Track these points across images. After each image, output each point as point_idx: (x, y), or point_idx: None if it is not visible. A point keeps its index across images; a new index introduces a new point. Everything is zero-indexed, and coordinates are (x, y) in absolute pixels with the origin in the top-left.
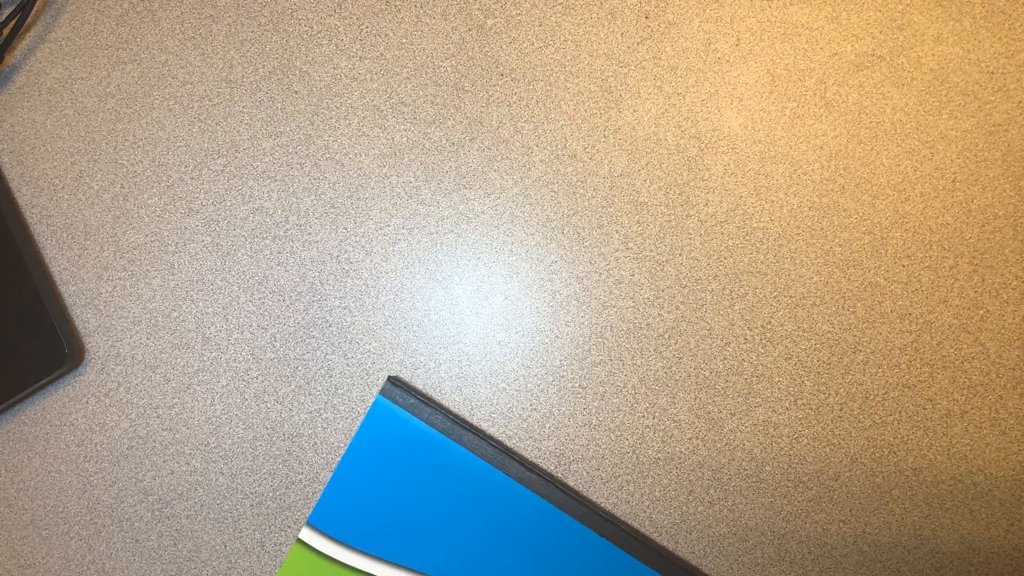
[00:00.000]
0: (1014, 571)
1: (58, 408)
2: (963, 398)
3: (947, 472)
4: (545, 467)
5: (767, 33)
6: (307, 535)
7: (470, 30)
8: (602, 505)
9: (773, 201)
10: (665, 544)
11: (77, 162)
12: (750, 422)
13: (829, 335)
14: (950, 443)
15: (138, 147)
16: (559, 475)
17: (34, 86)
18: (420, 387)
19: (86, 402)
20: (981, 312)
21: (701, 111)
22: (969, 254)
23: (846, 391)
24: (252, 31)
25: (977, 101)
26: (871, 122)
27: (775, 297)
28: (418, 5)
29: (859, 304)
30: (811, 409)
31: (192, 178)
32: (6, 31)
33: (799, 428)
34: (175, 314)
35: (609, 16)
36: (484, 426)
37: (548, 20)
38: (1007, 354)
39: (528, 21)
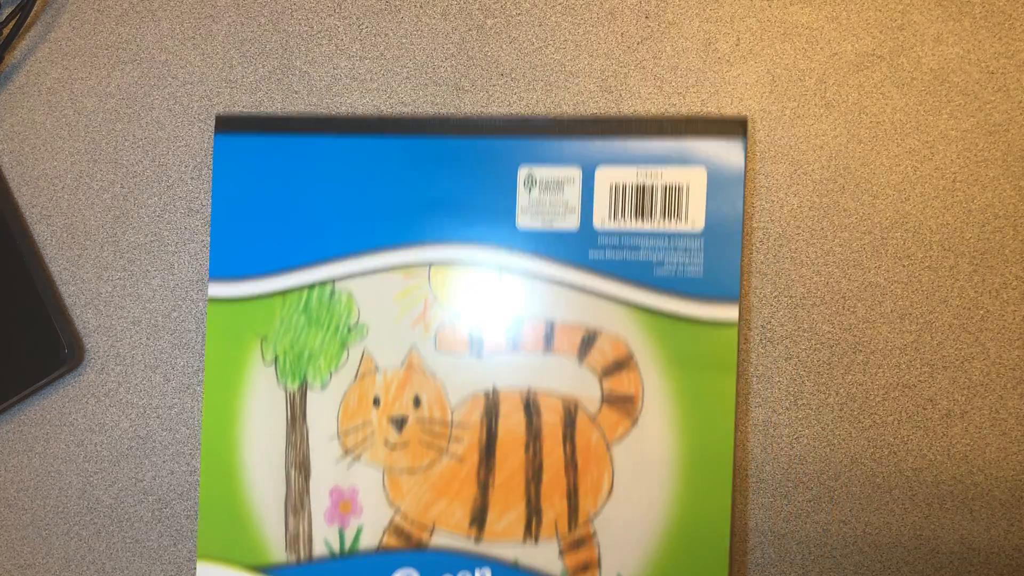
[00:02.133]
0: (1014, 571)
1: (58, 408)
2: (963, 398)
3: (947, 472)
4: None
5: (767, 33)
6: (215, 290)
7: (470, 30)
8: None
9: (773, 201)
10: None
11: (77, 162)
12: (750, 422)
13: (829, 335)
14: (950, 443)
15: (138, 147)
16: None
17: (34, 86)
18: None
19: (86, 402)
20: (981, 312)
21: (701, 111)
22: (969, 254)
23: (846, 391)
24: (252, 31)
25: (977, 101)
26: (871, 122)
27: (775, 297)
28: (418, 5)
29: (859, 304)
30: (811, 409)
31: (192, 178)
32: (6, 31)
33: (799, 428)
34: (175, 314)
35: (609, 16)
36: None
37: (548, 20)
38: (1007, 354)
39: (528, 21)
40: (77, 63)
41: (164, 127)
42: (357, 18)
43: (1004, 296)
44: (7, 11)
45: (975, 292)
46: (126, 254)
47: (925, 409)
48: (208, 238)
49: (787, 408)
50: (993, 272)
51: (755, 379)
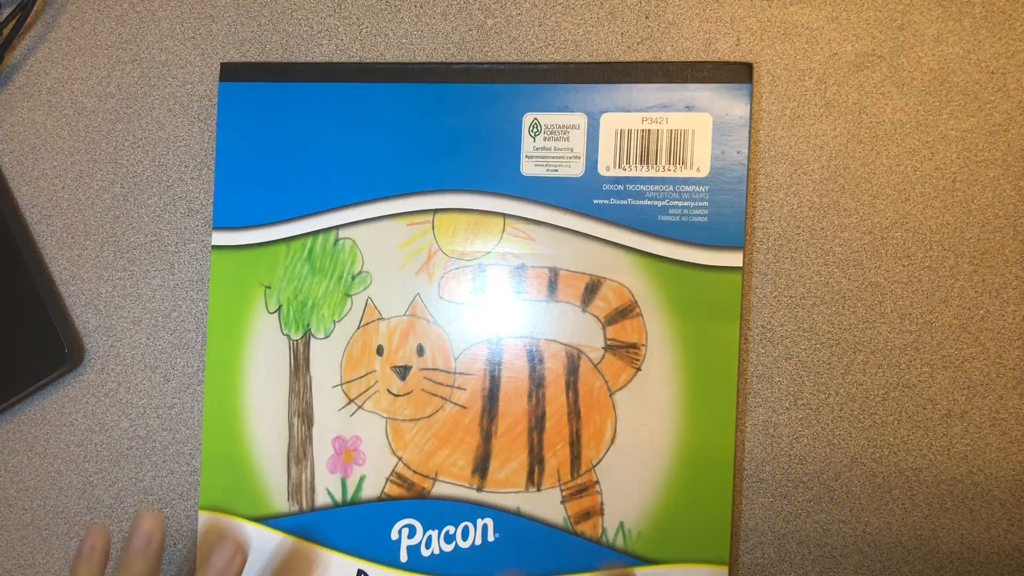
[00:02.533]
0: (1014, 571)
1: (58, 408)
2: (963, 398)
3: (947, 472)
4: None
5: (767, 33)
6: (219, 238)
7: (470, 30)
8: None
9: (773, 201)
10: None
11: (77, 162)
12: (750, 422)
13: (829, 335)
14: (950, 443)
15: (138, 147)
16: None
17: (34, 86)
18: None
19: (86, 402)
20: (981, 312)
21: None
22: (969, 254)
23: (846, 391)
24: (252, 31)
25: (977, 101)
26: (871, 122)
27: (775, 297)
28: (418, 5)
29: (859, 304)
30: (811, 409)
31: (192, 178)
32: (6, 31)
33: (799, 428)
34: (175, 314)
35: (609, 16)
36: None
37: (548, 20)
38: (1007, 354)
39: (528, 21)
40: (77, 63)
41: (164, 127)
42: (357, 18)
43: (1004, 296)
44: (7, 11)
45: (975, 292)
46: (126, 254)
47: (925, 409)
48: (209, 238)
49: (787, 408)
50: (993, 272)
51: (755, 379)
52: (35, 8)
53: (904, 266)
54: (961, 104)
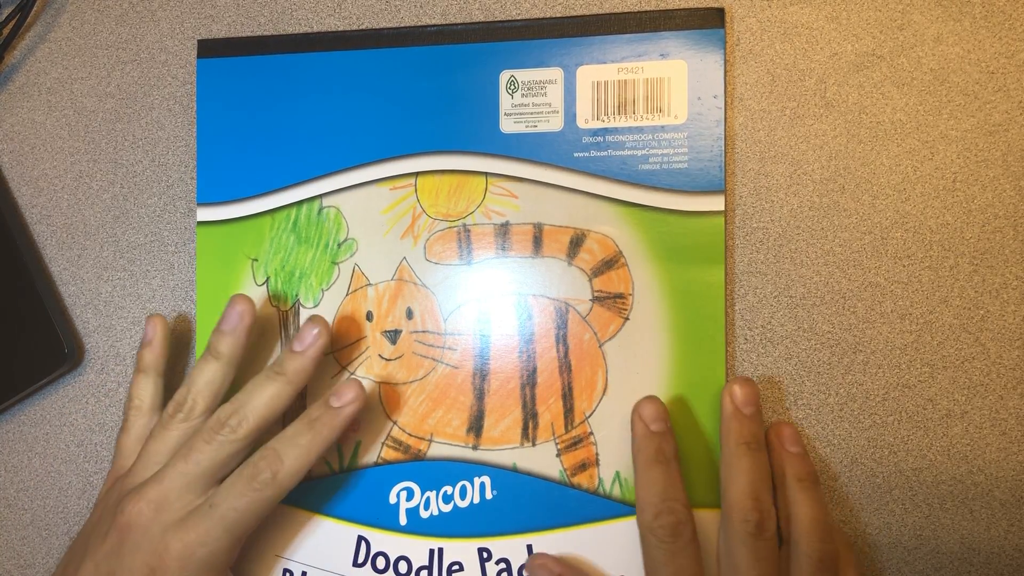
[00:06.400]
0: (1014, 571)
1: (58, 408)
2: (963, 398)
3: (947, 472)
4: None
5: (767, 33)
6: (204, 213)
7: None
8: None
9: (773, 201)
10: None
11: (77, 162)
12: None
13: (829, 335)
14: (950, 443)
15: (138, 147)
16: None
17: (34, 86)
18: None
19: (86, 402)
20: (981, 312)
21: None
22: (969, 254)
23: (846, 391)
24: (252, 31)
25: (977, 101)
26: (871, 122)
27: (775, 297)
28: (418, 5)
29: (859, 304)
30: (811, 409)
31: (192, 178)
32: (6, 31)
33: (799, 428)
34: (175, 314)
35: None
36: None
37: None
38: (1007, 354)
39: None
40: (77, 63)
41: (164, 127)
42: (357, 18)
43: (1004, 296)
44: (7, 11)
45: (975, 292)
46: (126, 254)
47: (925, 409)
48: None
49: (787, 408)
50: (993, 272)
51: (755, 379)
52: (35, 8)
53: (904, 266)
54: (961, 104)
